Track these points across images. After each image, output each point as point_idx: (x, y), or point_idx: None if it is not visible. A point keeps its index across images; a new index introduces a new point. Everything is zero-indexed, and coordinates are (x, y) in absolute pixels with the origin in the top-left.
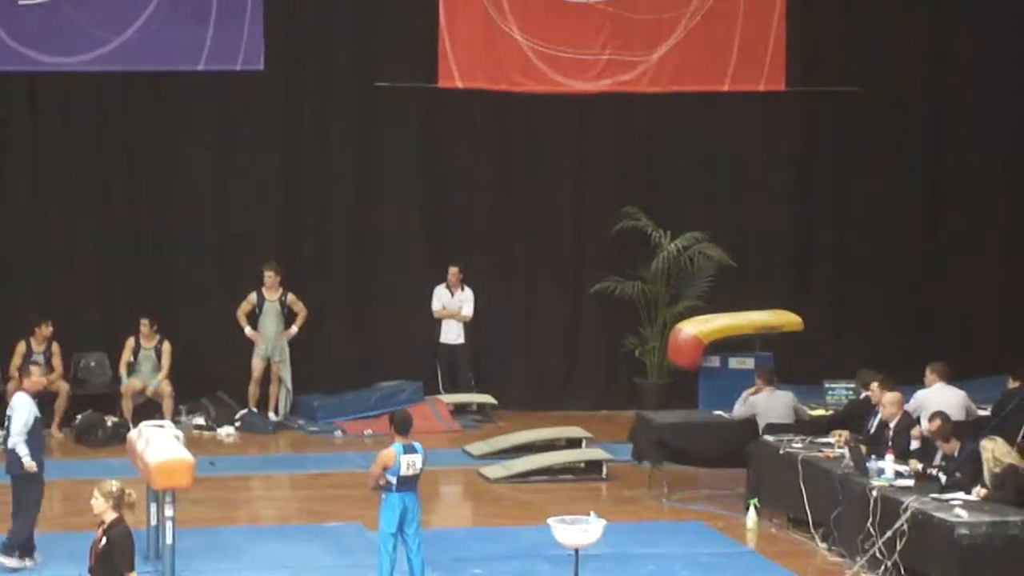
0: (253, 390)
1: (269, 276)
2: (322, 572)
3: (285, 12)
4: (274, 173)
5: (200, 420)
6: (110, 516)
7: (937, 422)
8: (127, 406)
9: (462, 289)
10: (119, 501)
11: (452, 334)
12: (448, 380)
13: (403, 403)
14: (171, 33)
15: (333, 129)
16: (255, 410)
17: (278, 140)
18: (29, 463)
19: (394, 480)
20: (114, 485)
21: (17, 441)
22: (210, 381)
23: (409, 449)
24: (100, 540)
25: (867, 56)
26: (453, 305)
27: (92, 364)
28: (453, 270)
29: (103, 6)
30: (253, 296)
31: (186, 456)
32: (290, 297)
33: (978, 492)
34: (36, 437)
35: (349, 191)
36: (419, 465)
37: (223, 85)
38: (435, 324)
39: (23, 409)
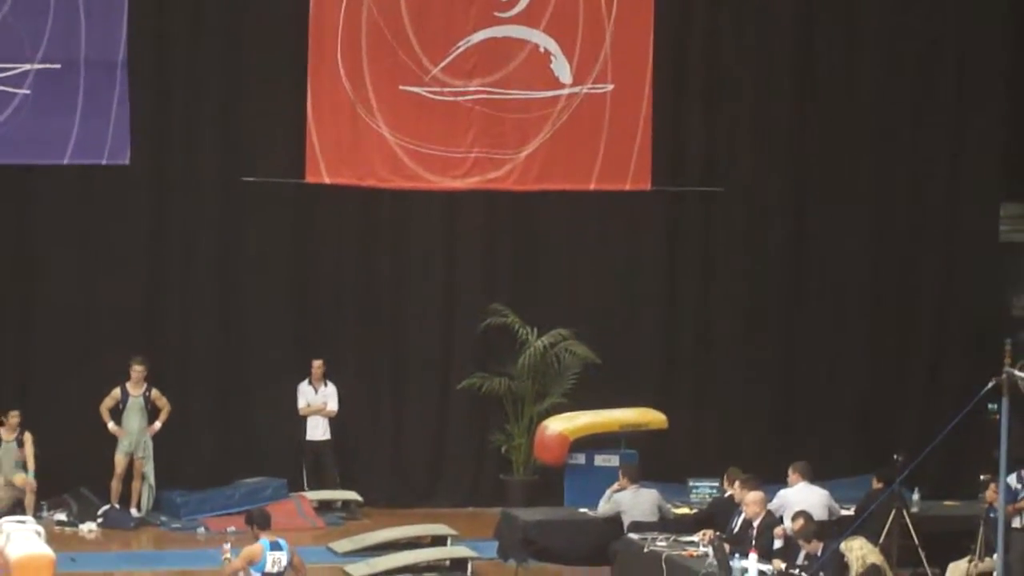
0: (115, 486)
1: (138, 370)
2: None
3: (152, 106)
4: (139, 267)
5: (62, 516)
6: None
7: (800, 522)
8: None
9: (325, 384)
10: None
11: (318, 431)
12: (313, 477)
13: (267, 500)
14: (37, 127)
15: (199, 224)
16: (117, 506)
17: (144, 234)
18: None
19: None
20: None
21: None
22: (72, 477)
23: (275, 546)
24: None
25: (729, 158)
26: (317, 401)
27: None
28: (317, 363)
29: None
30: (117, 391)
31: (47, 552)
32: (154, 392)
33: None
34: None
35: (215, 285)
36: (284, 562)
37: (89, 178)
38: (300, 421)
39: None
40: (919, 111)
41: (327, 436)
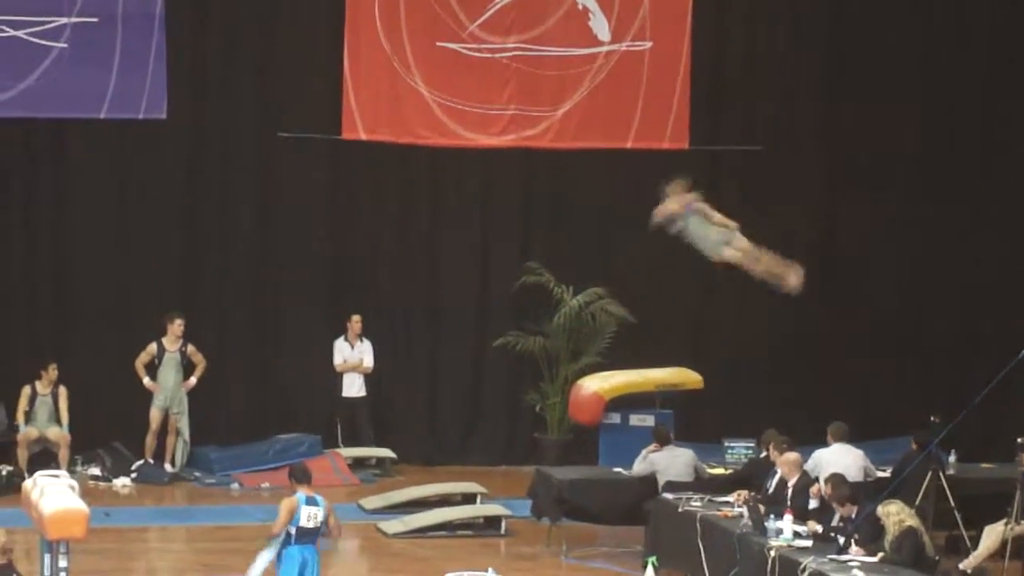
0: (150, 441)
1: (178, 324)
2: None
3: (189, 61)
4: (175, 222)
5: (96, 471)
6: None
7: (832, 486)
8: (22, 455)
9: (361, 341)
10: None
11: (354, 388)
12: (347, 433)
13: (302, 456)
14: (73, 80)
15: (235, 179)
16: (151, 461)
17: (180, 189)
18: None
19: (293, 531)
20: None
21: None
22: (106, 432)
23: (311, 501)
24: None
25: (768, 117)
26: (354, 358)
27: None
28: (355, 318)
29: (5, 53)
30: (153, 347)
31: (81, 506)
32: (190, 348)
33: (856, 550)
34: None
35: (250, 241)
36: (320, 518)
37: (125, 133)
38: (336, 378)
39: None
40: (954, 65)
41: (363, 393)
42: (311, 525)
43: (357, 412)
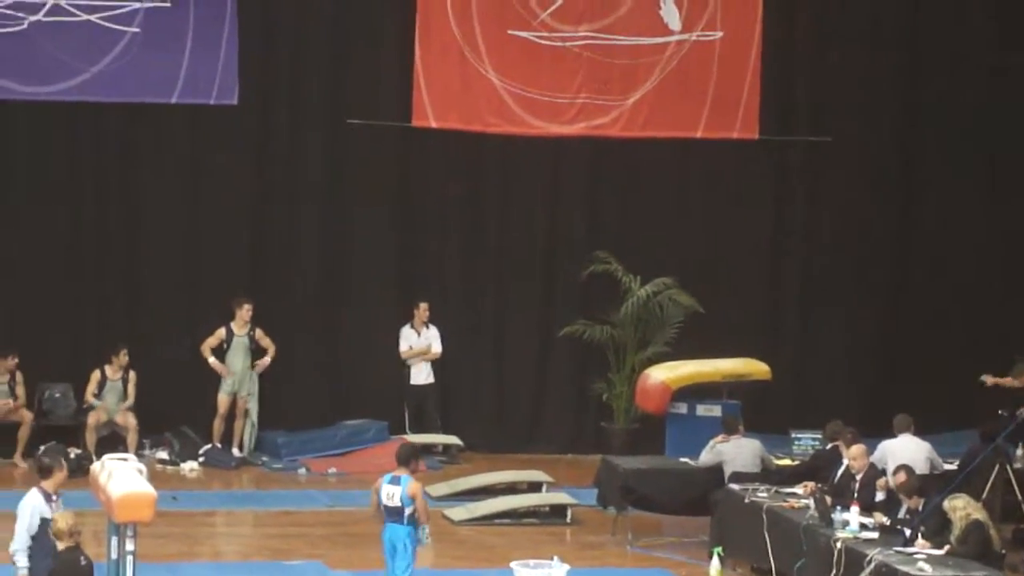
0: (218, 425)
1: (247, 309)
2: None
3: (260, 47)
4: (245, 208)
5: (164, 454)
6: (59, 546)
7: (901, 476)
8: (91, 438)
9: (427, 327)
10: (58, 532)
11: (422, 375)
12: (415, 420)
13: (369, 442)
14: (145, 65)
15: (304, 166)
16: (219, 445)
17: (250, 175)
18: None
19: (382, 508)
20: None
21: (17, 550)
22: (174, 416)
23: (393, 480)
24: None
25: (838, 107)
26: (421, 344)
27: (57, 395)
28: (423, 306)
29: (78, 37)
30: (221, 331)
31: (148, 490)
32: (258, 332)
33: (922, 543)
34: (41, 544)
35: (319, 228)
36: (397, 498)
37: (197, 118)
38: (404, 365)
39: (27, 511)
40: None
41: (431, 380)
42: (390, 504)
43: (425, 399)
